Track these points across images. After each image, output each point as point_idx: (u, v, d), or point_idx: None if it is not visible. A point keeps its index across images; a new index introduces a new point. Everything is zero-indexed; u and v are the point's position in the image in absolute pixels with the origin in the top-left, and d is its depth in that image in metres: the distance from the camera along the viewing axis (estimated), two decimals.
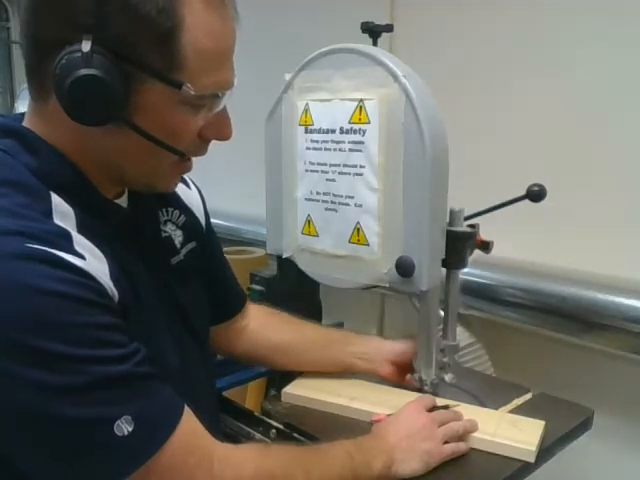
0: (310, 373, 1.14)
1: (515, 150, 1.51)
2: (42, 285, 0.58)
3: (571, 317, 1.34)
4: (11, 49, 4.23)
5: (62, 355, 0.58)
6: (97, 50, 0.62)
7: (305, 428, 0.98)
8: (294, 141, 1.10)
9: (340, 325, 1.40)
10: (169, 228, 0.90)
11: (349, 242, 1.05)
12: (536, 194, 1.02)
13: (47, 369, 0.57)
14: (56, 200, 0.67)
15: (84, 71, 0.62)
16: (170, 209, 0.92)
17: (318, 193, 1.08)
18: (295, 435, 0.98)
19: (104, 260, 0.67)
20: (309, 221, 1.11)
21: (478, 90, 1.57)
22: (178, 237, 0.91)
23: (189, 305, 0.89)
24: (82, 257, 0.63)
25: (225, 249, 1.97)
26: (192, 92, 0.67)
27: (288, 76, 1.10)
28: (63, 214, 0.67)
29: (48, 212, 0.66)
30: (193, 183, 1.05)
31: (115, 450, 0.60)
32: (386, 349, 1.10)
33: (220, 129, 0.75)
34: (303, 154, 1.10)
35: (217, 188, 2.45)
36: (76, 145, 0.70)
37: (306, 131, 1.08)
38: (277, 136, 1.13)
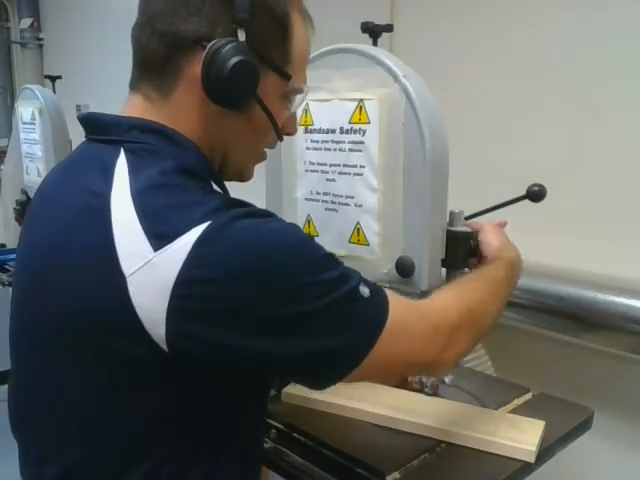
0: None
1: (515, 150, 1.51)
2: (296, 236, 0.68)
3: (571, 317, 1.34)
4: (11, 49, 4.23)
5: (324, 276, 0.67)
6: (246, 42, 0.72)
7: (305, 428, 0.98)
8: (294, 141, 1.10)
9: None
10: None
11: (349, 242, 1.05)
12: (536, 194, 1.02)
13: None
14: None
15: (242, 57, 0.71)
16: None
17: (318, 193, 1.08)
18: (295, 435, 0.98)
19: None
20: (309, 221, 1.11)
21: (478, 90, 1.57)
22: None
23: None
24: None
25: None
26: (295, 85, 0.79)
27: None
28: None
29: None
30: None
31: (370, 304, 0.70)
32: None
33: (293, 124, 0.86)
34: (303, 154, 1.10)
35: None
36: (200, 135, 0.76)
37: (306, 131, 1.08)
38: None
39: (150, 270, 0.62)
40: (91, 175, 0.71)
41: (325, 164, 1.06)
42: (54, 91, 2.28)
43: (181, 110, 0.75)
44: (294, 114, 0.85)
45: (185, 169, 0.70)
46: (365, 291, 0.69)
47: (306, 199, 1.11)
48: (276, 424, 1.01)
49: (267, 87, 0.76)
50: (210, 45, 0.70)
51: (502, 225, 1.07)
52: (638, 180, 1.34)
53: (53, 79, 2.36)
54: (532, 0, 1.46)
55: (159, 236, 0.63)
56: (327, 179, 1.07)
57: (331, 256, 0.70)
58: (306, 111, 1.08)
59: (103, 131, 0.75)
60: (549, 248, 1.46)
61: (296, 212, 1.13)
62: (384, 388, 1.09)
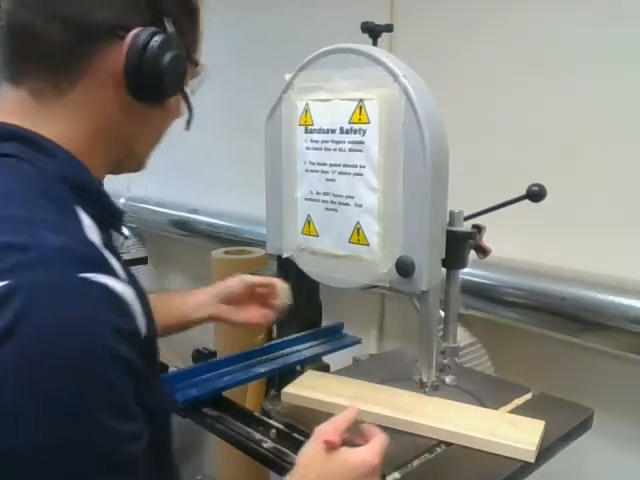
0: (310, 373, 1.14)
1: (515, 150, 1.51)
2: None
3: (571, 317, 1.34)
4: None
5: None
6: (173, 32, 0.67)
7: (305, 428, 0.98)
8: (294, 141, 1.10)
9: (340, 325, 1.40)
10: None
11: (349, 242, 1.05)
12: (536, 194, 1.02)
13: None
14: (80, 212, 0.61)
15: (176, 52, 0.65)
16: None
17: (318, 193, 1.08)
18: (295, 435, 0.98)
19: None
20: (309, 221, 1.11)
21: (478, 90, 1.57)
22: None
23: None
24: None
25: (225, 249, 1.99)
26: (199, 69, 0.74)
27: (288, 76, 1.10)
28: (90, 227, 0.60)
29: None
30: None
31: None
32: (212, 291, 1.11)
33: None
34: (303, 154, 1.10)
35: (217, 188, 2.46)
36: (99, 134, 0.67)
37: (306, 131, 1.08)
38: (277, 136, 1.13)
39: None
40: None
41: (325, 164, 1.06)
42: None
43: (81, 108, 0.65)
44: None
45: (44, 192, 0.58)
46: None
47: (306, 199, 1.11)
48: (276, 424, 1.01)
49: (186, 77, 0.72)
50: (133, 36, 0.63)
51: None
52: (638, 180, 1.34)
53: None
54: (532, 0, 1.46)
55: None
56: (327, 179, 1.07)
57: None
58: (306, 111, 1.08)
59: None
60: (549, 248, 1.46)
61: (296, 212, 1.13)
62: (384, 388, 1.09)
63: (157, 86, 0.66)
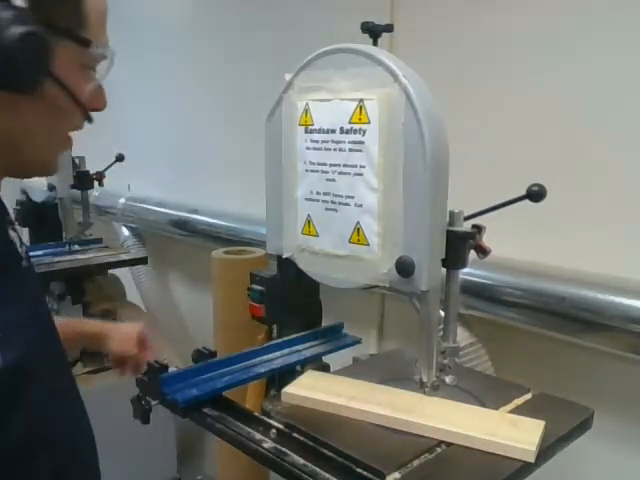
0: (310, 373, 1.14)
1: (515, 150, 1.51)
2: None
3: (571, 317, 1.34)
4: None
5: None
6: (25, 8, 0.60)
7: (305, 428, 0.98)
8: (294, 141, 1.10)
9: (340, 325, 1.40)
10: (12, 233, 0.78)
11: (349, 242, 1.05)
12: (536, 194, 1.02)
13: None
14: None
15: (26, 28, 0.58)
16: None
17: (318, 193, 1.08)
18: (295, 435, 0.98)
19: None
20: (309, 221, 1.11)
21: (478, 90, 1.57)
22: (18, 242, 0.79)
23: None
24: None
25: (225, 249, 1.99)
26: (96, 51, 0.67)
27: (288, 76, 1.10)
28: None
29: None
30: None
31: None
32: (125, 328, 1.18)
33: (101, 98, 0.73)
34: (303, 154, 1.10)
35: (217, 188, 2.46)
36: None
37: (306, 131, 1.08)
38: (277, 136, 1.13)
39: None
40: None
41: (325, 164, 1.06)
42: None
43: None
44: (101, 87, 0.72)
45: None
46: None
47: (306, 199, 1.11)
48: (276, 424, 1.01)
49: (62, 59, 0.64)
50: None
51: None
52: (638, 180, 1.34)
53: None
54: (532, 0, 1.46)
55: None
56: (327, 179, 1.07)
57: None
58: (306, 111, 1.08)
59: None
60: (549, 248, 1.46)
61: (296, 212, 1.13)
62: (384, 388, 1.09)
63: (6, 70, 0.59)
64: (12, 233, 0.75)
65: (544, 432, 0.94)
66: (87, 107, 0.69)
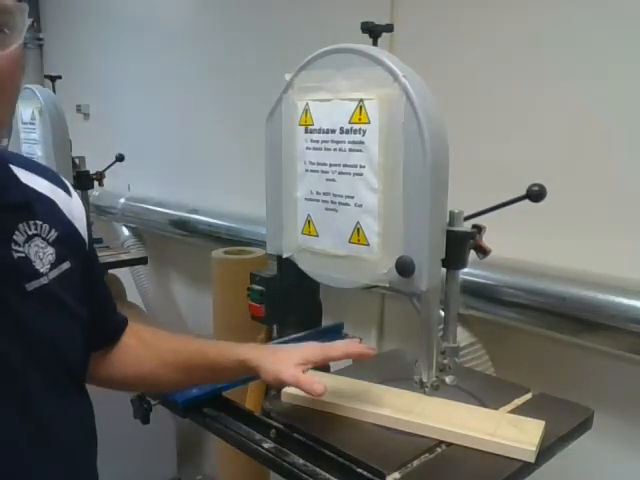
0: (310, 373, 1.14)
1: (515, 150, 1.51)
2: None
3: (571, 317, 1.34)
4: None
5: None
6: None
7: (305, 428, 0.98)
8: (294, 141, 1.10)
9: (340, 325, 1.40)
10: (35, 245, 0.75)
11: (349, 242, 1.05)
12: (536, 194, 1.02)
13: None
14: None
15: None
16: (38, 222, 0.76)
17: (318, 193, 1.08)
18: (295, 435, 0.98)
19: None
20: (309, 221, 1.11)
21: (478, 90, 1.57)
22: (48, 256, 0.76)
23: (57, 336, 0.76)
24: None
25: (225, 249, 1.99)
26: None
27: (288, 76, 1.10)
28: None
29: None
30: (74, 190, 0.88)
31: None
32: (295, 353, 0.96)
33: None
34: (303, 154, 1.10)
35: (217, 188, 2.46)
36: None
37: (306, 131, 1.08)
38: (277, 136, 1.13)
39: None
40: None
41: (325, 164, 1.06)
42: (54, 91, 2.28)
43: None
44: None
45: None
46: None
47: (306, 199, 1.11)
48: (276, 424, 1.01)
49: None
50: None
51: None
52: (638, 180, 1.34)
53: (53, 79, 2.36)
54: (532, 1, 1.46)
55: None
56: (327, 179, 1.07)
57: None
58: (306, 111, 1.08)
59: None
60: (549, 248, 1.46)
61: (296, 212, 1.13)
62: (384, 388, 1.09)
63: None
64: (38, 243, 0.74)
65: (544, 432, 0.94)
66: None
